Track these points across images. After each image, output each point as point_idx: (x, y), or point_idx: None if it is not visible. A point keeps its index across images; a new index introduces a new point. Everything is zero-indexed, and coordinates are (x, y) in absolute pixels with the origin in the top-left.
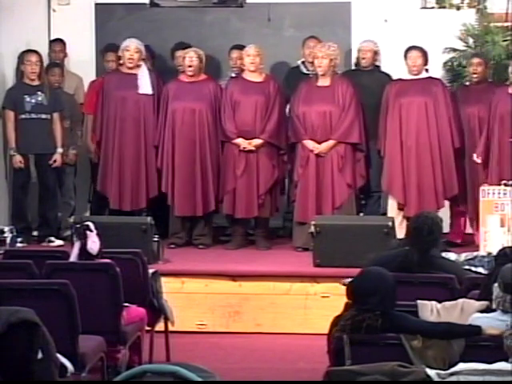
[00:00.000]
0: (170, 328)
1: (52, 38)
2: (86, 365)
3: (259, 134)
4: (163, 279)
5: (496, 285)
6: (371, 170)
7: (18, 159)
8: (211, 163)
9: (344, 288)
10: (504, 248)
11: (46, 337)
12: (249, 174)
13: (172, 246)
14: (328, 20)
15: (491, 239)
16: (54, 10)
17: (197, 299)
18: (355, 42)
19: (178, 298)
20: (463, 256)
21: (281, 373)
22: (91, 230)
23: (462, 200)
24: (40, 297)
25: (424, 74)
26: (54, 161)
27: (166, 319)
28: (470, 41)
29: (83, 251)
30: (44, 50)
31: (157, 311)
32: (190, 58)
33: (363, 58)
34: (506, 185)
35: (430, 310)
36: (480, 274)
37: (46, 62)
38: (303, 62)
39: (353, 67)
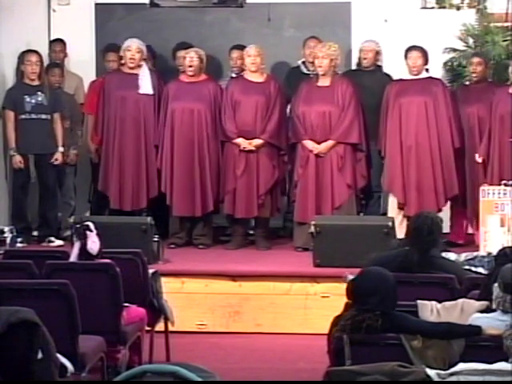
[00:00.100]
0: (170, 328)
1: (52, 38)
2: (86, 365)
3: (259, 134)
4: (163, 279)
5: (496, 285)
6: (371, 171)
7: (17, 159)
8: (210, 164)
9: (344, 287)
10: (504, 248)
11: (46, 337)
12: (249, 174)
13: (172, 246)
14: (328, 20)
15: (491, 239)
16: (54, 10)
17: (197, 299)
18: (355, 42)
19: (177, 297)
20: (463, 256)
21: (281, 373)
22: (91, 230)
23: (461, 200)
24: (40, 297)
25: (424, 74)
26: (56, 159)
27: (166, 319)
28: (470, 41)
29: (83, 251)
30: (44, 50)
31: (157, 311)
32: (190, 58)
33: (364, 58)
34: (506, 185)
35: (430, 310)
36: (480, 274)
37: (46, 62)
38: (303, 62)
39: (355, 67)
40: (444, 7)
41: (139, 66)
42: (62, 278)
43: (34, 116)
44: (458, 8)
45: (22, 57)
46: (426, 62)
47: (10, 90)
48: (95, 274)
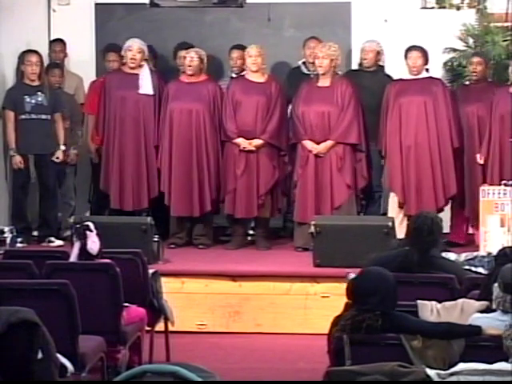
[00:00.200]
0: (170, 328)
1: (52, 38)
2: (86, 365)
3: (260, 134)
4: (163, 279)
5: (496, 285)
6: (372, 171)
7: (17, 160)
8: (208, 164)
9: (344, 287)
10: (504, 248)
11: (46, 337)
12: (249, 174)
13: (172, 246)
14: (328, 20)
15: (491, 239)
16: (54, 10)
17: (197, 299)
18: (355, 42)
19: (177, 297)
20: (463, 256)
21: (281, 373)
22: (91, 230)
23: (460, 199)
24: (40, 297)
25: (424, 74)
26: (57, 157)
27: (166, 319)
28: (470, 41)
29: (83, 251)
30: (44, 50)
31: (157, 311)
32: (190, 58)
33: (365, 59)
34: (506, 185)
35: (430, 310)
36: (480, 273)
37: (46, 62)
38: (304, 63)
39: (356, 67)
40: (444, 7)
41: (140, 66)
42: (62, 278)
43: (33, 116)
44: (458, 8)
45: (22, 57)
46: (426, 61)
47: (10, 90)
48: (95, 274)
